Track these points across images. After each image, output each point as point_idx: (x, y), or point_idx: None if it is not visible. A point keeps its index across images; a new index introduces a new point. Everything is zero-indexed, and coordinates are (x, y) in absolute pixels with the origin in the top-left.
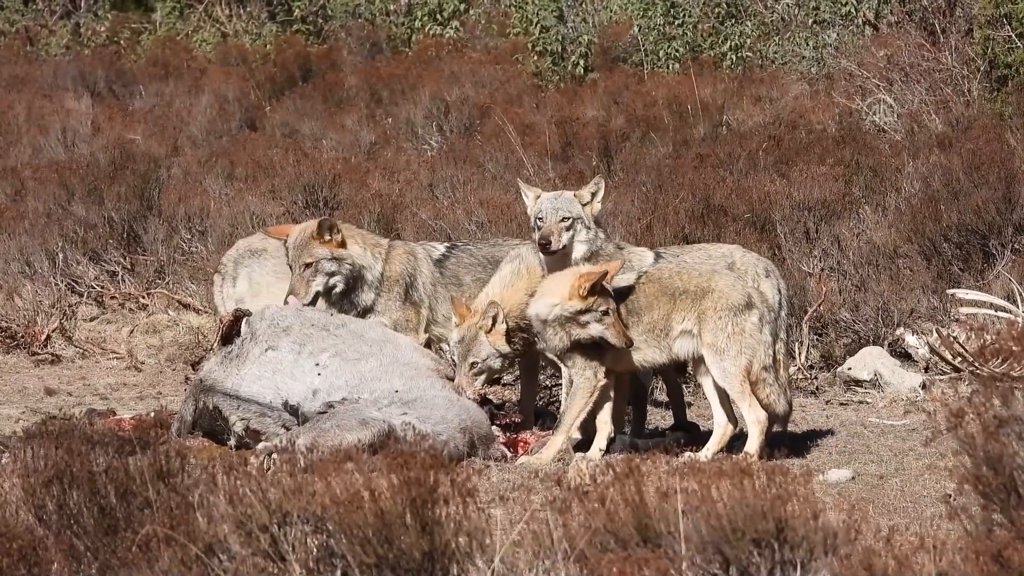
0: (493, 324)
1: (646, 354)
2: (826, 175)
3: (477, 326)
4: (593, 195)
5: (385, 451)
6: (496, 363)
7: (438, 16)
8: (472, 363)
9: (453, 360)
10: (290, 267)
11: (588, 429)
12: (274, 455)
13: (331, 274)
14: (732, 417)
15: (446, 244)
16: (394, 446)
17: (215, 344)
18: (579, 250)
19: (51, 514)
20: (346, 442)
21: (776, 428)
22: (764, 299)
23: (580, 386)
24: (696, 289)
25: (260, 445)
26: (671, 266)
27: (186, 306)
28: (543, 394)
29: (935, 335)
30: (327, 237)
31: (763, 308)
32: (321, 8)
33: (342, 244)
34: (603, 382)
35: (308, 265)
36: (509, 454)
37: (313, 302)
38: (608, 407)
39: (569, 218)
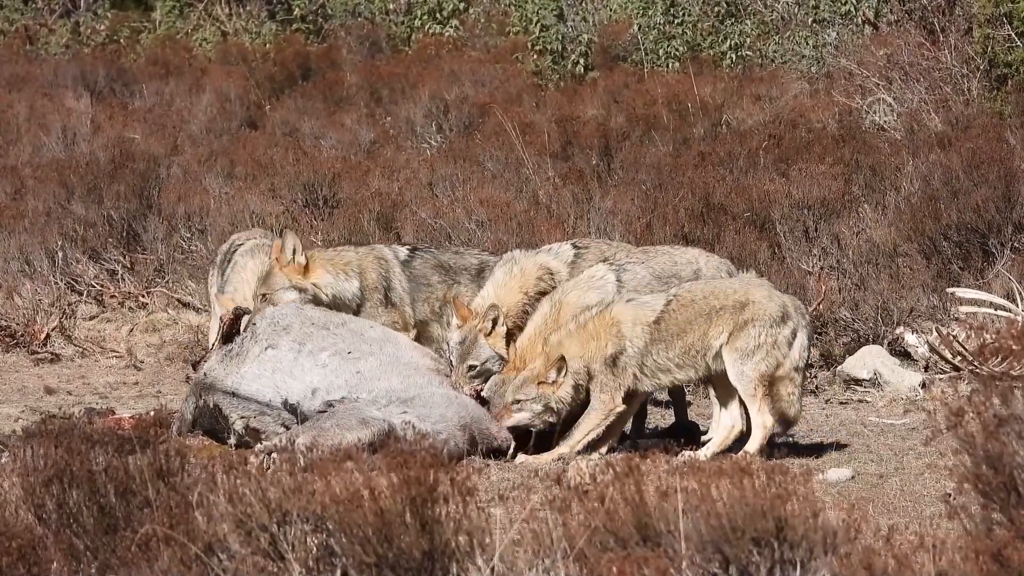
0: (493, 327)
1: (678, 375)
2: (826, 174)
3: (477, 329)
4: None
5: (385, 450)
6: (495, 366)
7: (438, 15)
8: (471, 365)
9: (451, 361)
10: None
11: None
12: (274, 454)
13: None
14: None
15: (408, 247)
16: (394, 445)
17: (215, 342)
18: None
19: (51, 513)
20: (346, 441)
21: (776, 429)
22: (799, 307)
23: (595, 407)
24: (734, 304)
25: (260, 444)
26: (700, 286)
27: (186, 305)
28: None
29: (935, 334)
30: (289, 257)
31: (797, 316)
32: (321, 7)
33: (306, 268)
34: (621, 408)
35: (264, 297)
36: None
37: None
38: None
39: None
